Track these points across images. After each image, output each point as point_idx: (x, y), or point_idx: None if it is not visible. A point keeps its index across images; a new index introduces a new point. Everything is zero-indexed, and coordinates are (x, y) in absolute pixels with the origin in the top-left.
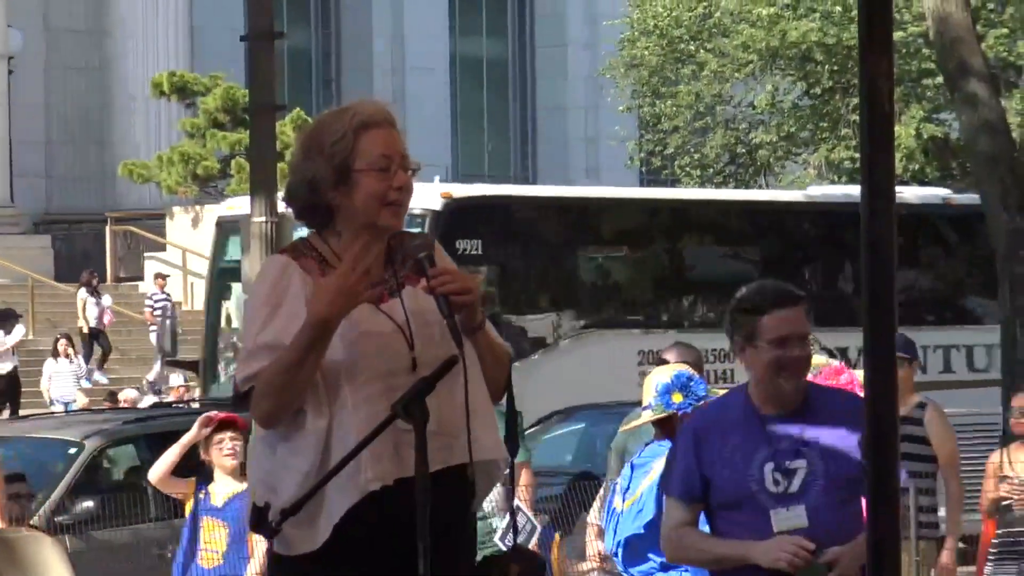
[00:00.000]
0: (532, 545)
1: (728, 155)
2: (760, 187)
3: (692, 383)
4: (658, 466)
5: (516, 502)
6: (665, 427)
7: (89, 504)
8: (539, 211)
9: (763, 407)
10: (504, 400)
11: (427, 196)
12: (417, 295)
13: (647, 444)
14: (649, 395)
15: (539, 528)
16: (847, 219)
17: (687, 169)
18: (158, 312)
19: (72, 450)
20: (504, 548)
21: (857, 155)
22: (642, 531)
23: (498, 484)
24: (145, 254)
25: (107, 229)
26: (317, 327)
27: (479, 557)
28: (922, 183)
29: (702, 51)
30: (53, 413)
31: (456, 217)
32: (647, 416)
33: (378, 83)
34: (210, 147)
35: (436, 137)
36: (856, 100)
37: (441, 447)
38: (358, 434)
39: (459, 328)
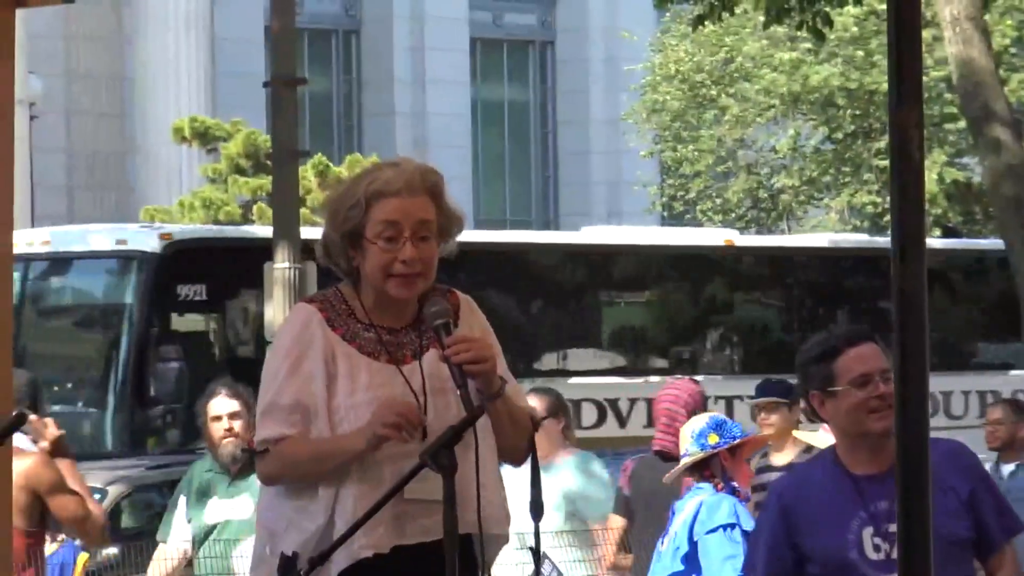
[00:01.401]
0: None
1: (750, 200)
2: (782, 232)
3: (727, 425)
4: (691, 505)
5: (543, 551)
6: (704, 470)
7: (112, 551)
8: (268, 253)
9: (853, 466)
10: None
11: (145, 238)
12: (437, 360)
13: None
14: (686, 443)
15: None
16: (607, 262)
17: (709, 214)
18: None
19: (95, 496)
20: None
21: (879, 199)
22: (681, 566)
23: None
24: None
25: None
26: (355, 454)
27: None
28: (945, 229)
29: (724, 96)
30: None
31: (177, 261)
32: (686, 461)
33: (399, 129)
34: (232, 193)
35: (457, 182)
36: (878, 144)
37: None
38: (355, 500)
39: (471, 398)
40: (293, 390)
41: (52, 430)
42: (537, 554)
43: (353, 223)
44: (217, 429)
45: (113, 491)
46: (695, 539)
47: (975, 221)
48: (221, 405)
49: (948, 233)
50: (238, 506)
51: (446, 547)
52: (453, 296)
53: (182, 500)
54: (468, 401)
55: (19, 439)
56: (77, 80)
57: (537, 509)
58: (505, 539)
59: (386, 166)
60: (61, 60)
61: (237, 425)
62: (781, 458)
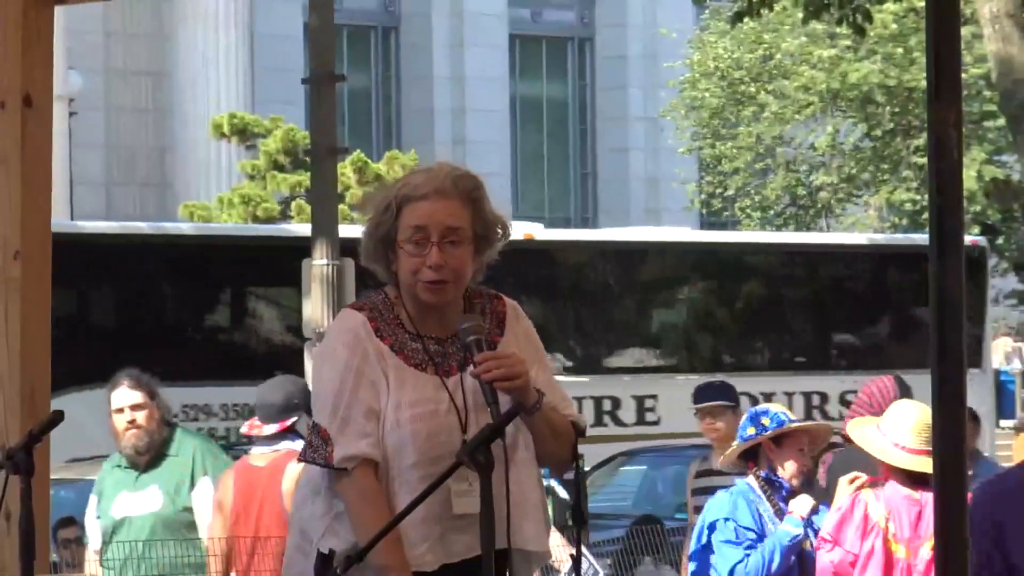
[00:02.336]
0: None
1: (789, 197)
2: (821, 229)
3: (767, 414)
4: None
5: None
6: (749, 462)
7: None
8: None
9: None
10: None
11: None
12: None
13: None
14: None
15: (601, 573)
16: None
17: (747, 211)
18: None
19: None
20: None
21: (918, 197)
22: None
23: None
24: None
25: None
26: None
27: None
28: (983, 226)
29: (763, 93)
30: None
31: None
32: (729, 451)
33: (438, 126)
34: (270, 189)
35: (496, 179)
36: (917, 142)
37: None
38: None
39: (499, 414)
40: (365, 399)
41: None
42: (578, 562)
43: (385, 228)
44: (119, 421)
45: None
46: (701, 540)
47: (1014, 219)
48: (123, 397)
49: (987, 231)
50: (143, 501)
51: (483, 545)
52: (500, 302)
53: (92, 499)
54: (498, 418)
55: (297, 444)
56: (116, 76)
57: (579, 517)
58: (543, 556)
59: (419, 171)
60: (101, 56)
61: (140, 417)
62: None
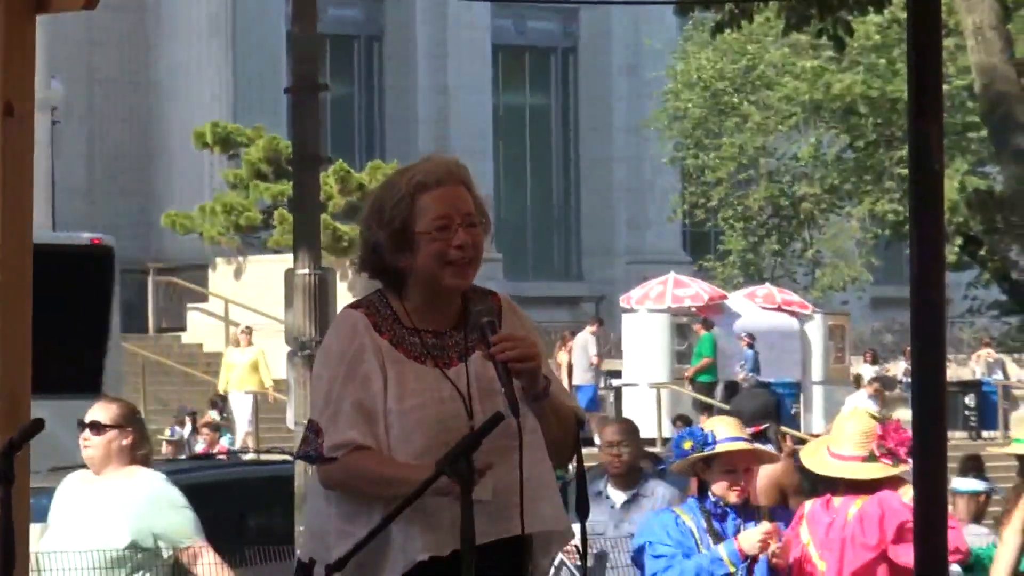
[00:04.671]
0: None
1: (771, 207)
2: (803, 240)
3: (698, 431)
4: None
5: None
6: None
7: None
8: None
9: None
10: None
11: None
12: (483, 361)
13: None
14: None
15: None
16: None
17: (730, 222)
18: None
19: None
20: None
21: (901, 208)
22: None
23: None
24: (187, 305)
25: (149, 279)
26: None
27: None
28: (966, 237)
29: (746, 103)
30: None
31: None
32: (672, 468)
33: (421, 135)
34: (252, 198)
35: (479, 189)
36: (900, 153)
37: (498, 518)
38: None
39: (517, 396)
40: (354, 394)
41: (788, 444)
42: (584, 553)
43: (401, 218)
44: None
45: None
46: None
47: (997, 230)
48: None
49: (969, 242)
50: None
51: (463, 556)
52: (495, 297)
53: None
54: (513, 399)
55: (767, 447)
56: (99, 85)
57: (584, 509)
58: (564, 535)
59: (420, 163)
60: (83, 65)
61: None
62: None
